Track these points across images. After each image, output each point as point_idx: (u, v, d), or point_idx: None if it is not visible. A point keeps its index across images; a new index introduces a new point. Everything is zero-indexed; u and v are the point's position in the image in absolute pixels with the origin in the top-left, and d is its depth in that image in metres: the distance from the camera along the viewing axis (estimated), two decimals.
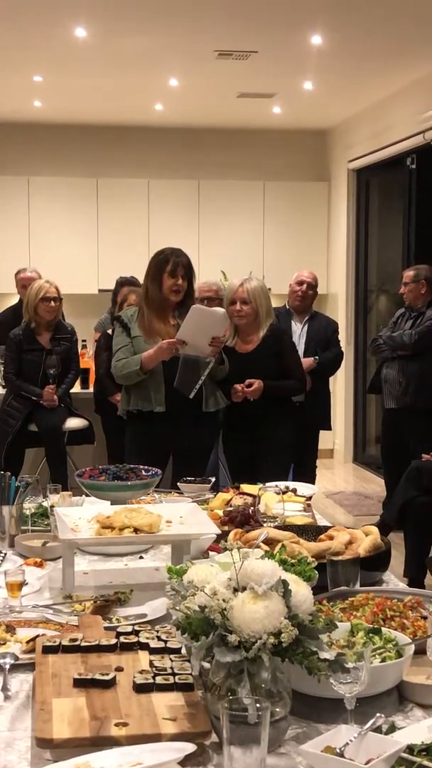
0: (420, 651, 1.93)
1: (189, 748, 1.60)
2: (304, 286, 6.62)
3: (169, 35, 6.74)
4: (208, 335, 4.37)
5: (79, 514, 2.86)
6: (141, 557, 2.95)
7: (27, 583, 2.52)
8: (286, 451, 4.84)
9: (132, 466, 3.37)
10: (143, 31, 6.64)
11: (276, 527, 2.83)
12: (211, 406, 4.55)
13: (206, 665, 1.74)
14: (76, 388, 7.11)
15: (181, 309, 4.49)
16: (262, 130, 10.00)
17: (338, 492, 8.40)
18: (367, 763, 1.54)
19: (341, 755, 1.57)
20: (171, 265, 4.43)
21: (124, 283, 7.14)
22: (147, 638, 2.03)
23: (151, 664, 1.92)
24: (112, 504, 3.05)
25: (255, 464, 4.67)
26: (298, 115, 9.42)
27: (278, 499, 3.06)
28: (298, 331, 6.50)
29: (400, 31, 6.60)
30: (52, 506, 3.17)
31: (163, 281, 4.45)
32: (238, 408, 4.72)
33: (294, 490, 3.58)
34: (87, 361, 7.46)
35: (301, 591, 1.76)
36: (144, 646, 2.01)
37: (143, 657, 1.97)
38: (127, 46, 6.97)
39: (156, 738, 1.67)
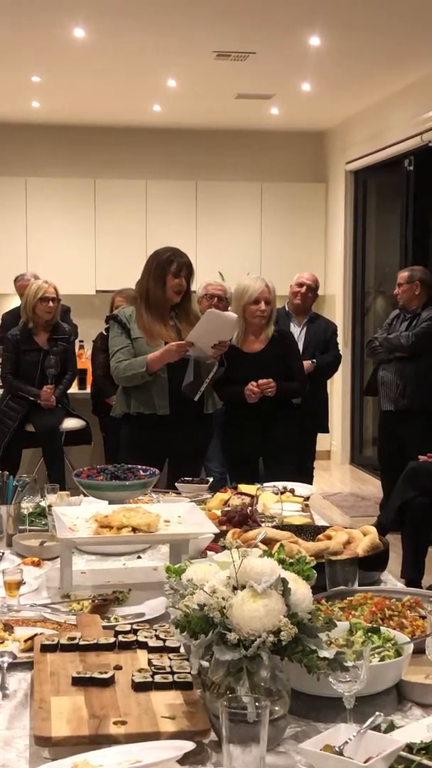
0: (419, 650, 1.93)
1: (188, 746, 1.60)
2: (304, 288, 6.63)
3: (168, 36, 6.74)
4: (215, 338, 4.33)
5: (77, 514, 2.85)
6: (139, 557, 2.95)
7: (25, 583, 2.52)
8: (291, 453, 4.84)
9: (130, 465, 3.37)
10: (141, 32, 6.64)
11: (274, 527, 2.83)
12: (210, 408, 4.55)
13: (205, 664, 1.74)
14: (74, 389, 7.12)
15: (178, 310, 4.46)
16: (260, 132, 10.00)
17: (335, 493, 8.40)
18: (366, 761, 1.54)
19: (340, 754, 1.57)
20: (176, 265, 4.39)
21: None
22: (145, 637, 2.03)
23: (149, 662, 1.92)
24: (110, 504, 3.05)
25: (261, 466, 4.68)
26: (296, 117, 9.43)
27: (276, 499, 3.06)
28: (297, 333, 6.49)
29: (399, 32, 6.61)
30: (49, 506, 3.16)
31: (167, 282, 4.39)
32: (243, 410, 4.72)
33: (292, 491, 3.58)
34: (84, 361, 7.46)
35: (301, 589, 1.76)
36: (143, 645, 2.00)
37: (142, 656, 1.97)
38: (125, 46, 6.97)
39: (155, 736, 1.66)
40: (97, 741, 1.65)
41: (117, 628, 2.08)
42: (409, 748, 1.62)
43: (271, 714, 1.59)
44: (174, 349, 4.29)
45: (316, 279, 6.75)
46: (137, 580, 2.66)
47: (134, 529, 2.65)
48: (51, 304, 6.54)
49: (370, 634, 1.94)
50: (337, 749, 1.59)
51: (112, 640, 2.01)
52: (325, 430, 7.01)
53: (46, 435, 6.59)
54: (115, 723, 1.70)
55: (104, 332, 6.61)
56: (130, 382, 4.41)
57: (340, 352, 6.87)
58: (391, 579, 2.68)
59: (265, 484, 3.28)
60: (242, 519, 3.05)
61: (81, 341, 7.76)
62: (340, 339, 7.06)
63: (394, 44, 6.91)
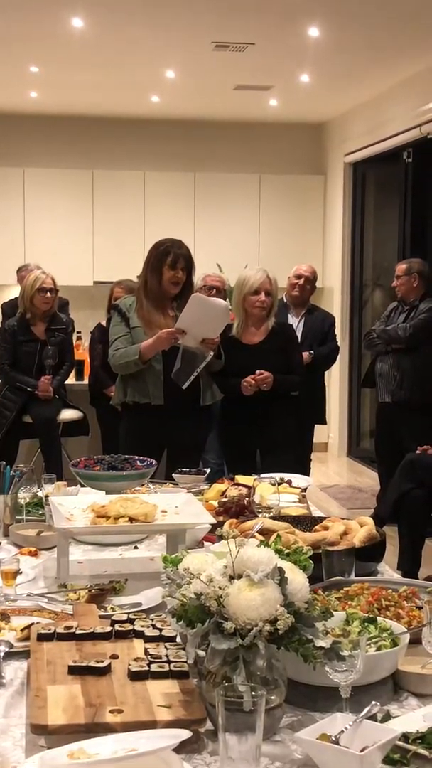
0: (415, 641, 1.94)
1: (184, 734, 1.60)
2: (302, 280, 6.62)
3: (166, 27, 6.72)
4: (207, 326, 4.31)
5: (74, 504, 2.85)
6: (136, 547, 2.95)
7: (22, 572, 2.52)
8: (289, 446, 4.84)
9: (127, 456, 3.37)
10: (140, 23, 6.61)
11: (271, 518, 2.83)
12: (207, 400, 4.54)
13: (201, 653, 1.74)
14: (71, 380, 7.11)
15: (180, 301, 4.45)
16: (259, 123, 9.98)
17: (332, 485, 8.41)
18: (362, 750, 1.54)
19: (336, 743, 1.58)
20: (172, 257, 4.38)
21: None
22: (142, 626, 2.03)
23: (146, 651, 1.92)
24: (107, 494, 3.05)
25: (260, 458, 4.68)
26: (295, 108, 9.40)
27: (273, 490, 3.06)
28: (295, 325, 6.47)
29: (398, 24, 6.58)
30: (46, 496, 3.16)
31: (163, 273, 4.39)
32: (241, 402, 4.71)
33: (289, 482, 3.57)
34: (82, 352, 7.45)
35: (297, 579, 1.76)
36: (139, 634, 2.01)
37: (138, 645, 1.97)
38: (123, 37, 6.94)
39: (151, 725, 1.67)
40: (93, 729, 1.65)
41: (113, 618, 2.09)
42: (405, 737, 1.62)
43: (267, 703, 1.59)
44: (164, 336, 4.29)
45: (314, 271, 6.74)
46: (134, 570, 2.67)
47: (131, 519, 2.66)
48: (48, 294, 6.52)
49: (366, 624, 1.94)
50: (334, 738, 1.59)
51: (108, 629, 2.02)
52: (323, 421, 7.01)
53: (44, 426, 6.58)
54: (111, 712, 1.70)
55: (103, 323, 6.62)
56: (125, 370, 4.44)
57: (338, 344, 6.87)
58: (388, 570, 2.68)
59: (262, 475, 3.28)
60: (239, 510, 3.05)
61: (78, 332, 7.75)
62: (338, 331, 7.06)
63: (394, 36, 6.88)
